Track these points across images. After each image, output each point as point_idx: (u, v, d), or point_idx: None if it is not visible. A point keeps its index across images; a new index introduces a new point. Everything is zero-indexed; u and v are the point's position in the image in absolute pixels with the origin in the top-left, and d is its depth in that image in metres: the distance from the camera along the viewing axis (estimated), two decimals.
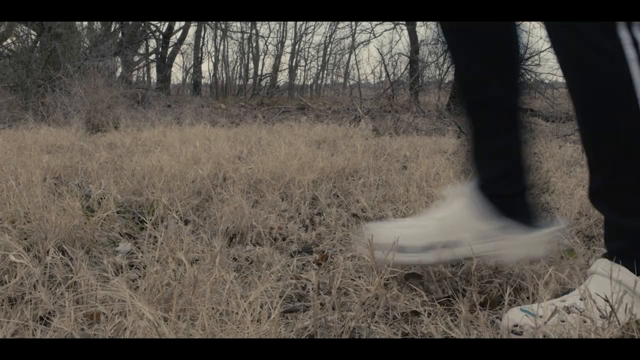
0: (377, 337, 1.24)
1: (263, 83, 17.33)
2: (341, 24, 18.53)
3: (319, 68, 20.07)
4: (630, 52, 1.17)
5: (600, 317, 1.17)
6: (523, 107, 1.51)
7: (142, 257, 1.66)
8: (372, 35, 25.26)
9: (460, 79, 1.50)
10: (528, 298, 1.41)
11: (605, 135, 1.22)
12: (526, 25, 12.60)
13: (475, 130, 1.50)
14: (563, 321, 1.19)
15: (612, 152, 1.22)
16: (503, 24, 1.45)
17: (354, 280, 1.55)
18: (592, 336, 1.12)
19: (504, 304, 1.36)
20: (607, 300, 1.17)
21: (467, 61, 1.47)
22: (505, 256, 1.43)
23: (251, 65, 18.35)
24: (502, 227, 1.43)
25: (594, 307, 1.19)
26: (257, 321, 1.16)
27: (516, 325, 1.21)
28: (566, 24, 1.23)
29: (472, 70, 1.48)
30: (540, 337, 1.15)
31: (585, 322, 1.17)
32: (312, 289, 1.45)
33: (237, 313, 1.18)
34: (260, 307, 1.19)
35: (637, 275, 1.20)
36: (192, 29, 16.07)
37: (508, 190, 1.46)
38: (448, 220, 1.47)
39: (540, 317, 1.19)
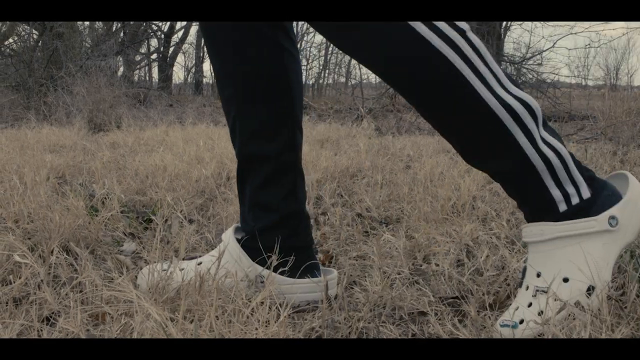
0: (385, 335, 1.23)
1: None
2: None
3: (321, 67, 20.06)
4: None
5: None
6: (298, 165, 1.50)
7: (147, 256, 1.65)
8: None
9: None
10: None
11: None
12: (528, 25, 12.61)
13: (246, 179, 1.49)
14: (541, 313, 1.20)
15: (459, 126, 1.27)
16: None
17: (360, 280, 1.55)
18: (603, 336, 1.12)
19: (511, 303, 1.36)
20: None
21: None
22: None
23: None
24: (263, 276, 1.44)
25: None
26: (266, 322, 1.15)
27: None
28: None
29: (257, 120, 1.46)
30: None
31: (556, 300, 1.20)
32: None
33: (244, 314, 1.18)
34: (269, 308, 1.18)
35: (555, 211, 1.26)
36: (194, 28, 16.05)
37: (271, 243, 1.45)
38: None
39: (522, 322, 1.20)
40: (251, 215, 1.48)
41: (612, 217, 1.27)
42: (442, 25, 1.21)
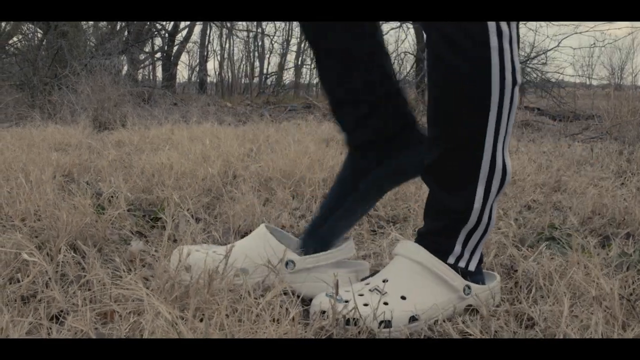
0: (395, 335, 1.22)
1: (269, 81, 17.32)
2: None
3: None
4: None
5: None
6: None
7: (155, 253, 1.65)
8: None
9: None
10: (542, 297, 1.40)
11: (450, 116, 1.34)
12: (533, 24, 12.59)
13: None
14: (366, 304, 1.26)
15: (452, 131, 1.34)
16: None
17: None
18: (615, 334, 1.11)
19: (520, 301, 1.35)
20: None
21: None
22: None
23: (257, 63, 18.33)
24: None
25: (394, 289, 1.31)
26: (277, 321, 1.15)
27: (324, 312, 1.26)
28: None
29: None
30: (343, 319, 1.22)
31: (386, 303, 1.27)
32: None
33: (254, 312, 1.17)
34: (280, 306, 1.18)
35: (444, 254, 1.36)
36: (198, 28, 16.02)
37: None
38: None
39: (346, 301, 1.25)
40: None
41: (469, 287, 1.36)
42: (510, 64, 1.29)
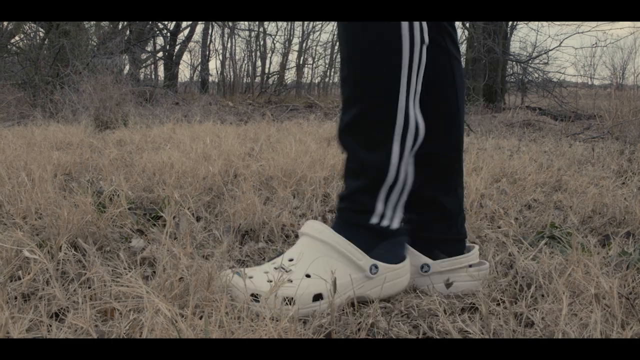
0: (394, 333, 1.23)
1: (270, 81, 17.32)
2: None
3: (327, 66, 20.04)
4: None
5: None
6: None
7: (156, 251, 1.65)
8: None
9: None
10: (543, 296, 1.40)
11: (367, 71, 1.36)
12: (535, 24, 12.58)
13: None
14: (270, 281, 1.30)
15: (368, 90, 1.37)
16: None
17: None
18: (614, 333, 1.11)
19: (520, 300, 1.35)
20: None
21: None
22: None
23: (258, 63, 18.33)
24: None
25: (299, 267, 1.35)
26: (276, 319, 1.15)
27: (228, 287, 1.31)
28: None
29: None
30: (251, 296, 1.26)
31: (290, 281, 1.31)
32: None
33: (253, 311, 1.18)
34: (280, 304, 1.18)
35: (367, 214, 1.40)
36: (200, 27, 16.02)
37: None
38: None
39: (251, 277, 1.30)
40: (414, 208, 1.57)
41: (375, 266, 1.38)
42: (418, 23, 1.33)
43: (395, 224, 1.42)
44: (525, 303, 1.33)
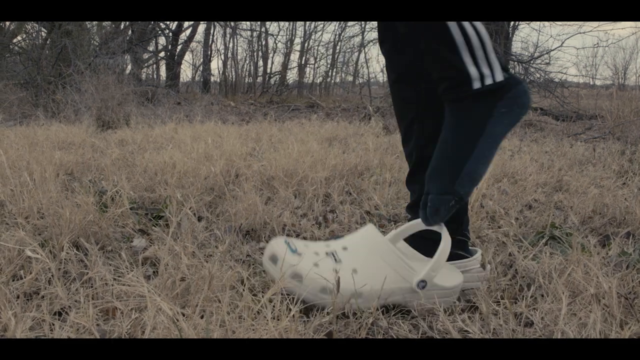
0: (394, 332, 1.23)
1: (272, 81, 17.33)
2: (350, 22, 18.49)
3: (329, 66, 20.04)
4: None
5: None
6: None
7: (157, 250, 1.66)
8: None
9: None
10: (542, 296, 1.40)
11: None
12: (536, 24, 12.58)
13: None
14: (316, 264, 1.30)
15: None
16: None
17: None
18: (613, 333, 1.12)
19: (520, 300, 1.36)
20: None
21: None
22: None
23: (260, 63, 18.33)
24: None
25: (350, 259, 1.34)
26: (277, 318, 1.16)
27: (273, 256, 1.32)
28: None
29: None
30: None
31: (336, 271, 1.30)
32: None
33: (254, 310, 1.18)
34: (280, 303, 1.18)
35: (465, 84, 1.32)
36: (202, 27, 16.01)
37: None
38: None
39: (300, 254, 1.31)
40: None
41: (424, 282, 1.36)
42: None
43: (499, 76, 1.33)
44: (525, 303, 1.33)
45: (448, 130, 1.37)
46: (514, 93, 1.35)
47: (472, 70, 1.31)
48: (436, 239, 1.51)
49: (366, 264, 1.34)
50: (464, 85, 1.32)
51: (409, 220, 1.57)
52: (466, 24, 1.30)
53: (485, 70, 1.32)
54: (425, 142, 1.51)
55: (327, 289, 1.28)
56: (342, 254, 1.35)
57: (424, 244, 1.52)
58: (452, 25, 1.28)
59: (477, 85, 1.32)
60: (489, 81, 1.32)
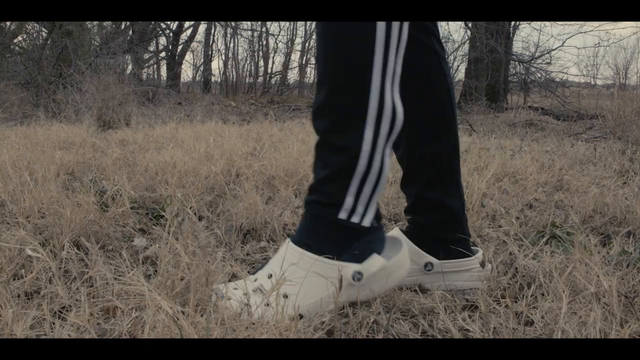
0: (395, 331, 1.23)
1: (273, 81, 17.34)
2: None
3: None
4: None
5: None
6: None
7: (158, 249, 1.66)
8: None
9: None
10: (543, 295, 1.40)
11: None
12: (537, 24, 12.58)
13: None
14: (247, 304, 1.21)
15: (338, 67, 1.27)
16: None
17: None
18: (613, 331, 1.12)
19: (520, 299, 1.36)
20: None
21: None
22: None
23: (261, 63, 18.36)
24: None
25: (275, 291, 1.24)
26: (277, 317, 1.16)
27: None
28: None
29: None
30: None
31: (267, 305, 1.22)
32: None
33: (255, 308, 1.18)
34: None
35: (335, 209, 1.29)
36: (202, 27, 16.04)
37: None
38: None
39: (229, 299, 1.23)
40: (420, 211, 1.56)
41: (359, 273, 1.29)
42: None
43: (367, 222, 1.31)
44: (526, 301, 1.33)
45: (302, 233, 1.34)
46: (373, 237, 1.33)
47: (349, 200, 1.29)
48: (442, 238, 1.52)
49: (294, 282, 1.27)
50: (332, 207, 1.30)
51: (409, 222, 1.58)
52: (377, 157, 1.28)
53: (360, 208, 1.30)
54: (416, 144, 1.52)
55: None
56: (268, 283, 1.29)
57: (429, 242, 1.52)
58: (365, 153, 1.27)
59: (342, 215, 1.30)
60: (355, 219, 1.30)
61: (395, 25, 1.24)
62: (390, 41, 1.25)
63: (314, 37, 17.86)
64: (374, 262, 1.30)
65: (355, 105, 1.26)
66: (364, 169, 1.28)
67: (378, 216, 1.35)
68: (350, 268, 1.28)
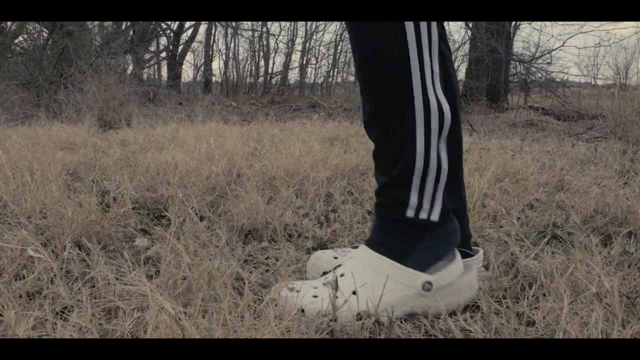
0: (396, 331, 1.23)
1: (274, 81, 17.35)
2: None
3: (330, 66, 20.06)
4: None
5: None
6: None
7: (160, 249, 1.66)
8: None
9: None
10: (544, 295, 1.40)
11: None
12: (538, 24, 12.58)
13: None
14: (315, 296, 1.27)
15: (377, 74, 1.30)
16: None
17: None
18: (615, 332, 1.12)
19: (522, 299, 1.36)
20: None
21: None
22: None
23: (262, 63, 18.36)
24: None
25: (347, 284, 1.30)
26: (278, 317, 1.16)
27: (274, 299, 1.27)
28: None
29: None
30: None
31: (337, 298, 1.26)
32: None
33: (255, 309, 1.18)
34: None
35: (401, 208, 1.34)
36: (203, 27, 16.06)
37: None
38: None
39: (298, 291, 1.27)
40: None
41: (429, 283, 1.31)
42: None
43: (435, 216, 1.35)
44: (527, 302, 1.33)
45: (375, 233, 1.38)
46: (444, 229, 1.37)
47: (414, 198, 1.34)
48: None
49: (364, 283, 1.31)
50: (398, 208, 1.34)
51: None
52: (433, 153, 1.32)
53: (425, 204, 1.35)
54: None
55: (324, 312, 1.25)
56: (339, 281, 1.32)
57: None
58: (420, 152, 1.31)
59: (410, 214, 1.34)
60: (423, 215, 1.34)
61: (423, 24, 1.27)
62: (422, 41, 1.28)
63: (314, 37, 17.87)
64: (445, 274, 1.33)
65: (402, 110, 1.30)
66: (422, 167, 1.32)
67: (446, 209, 1.38)
68: (421, 277, 1.31)
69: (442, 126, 1.32)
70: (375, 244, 1.35)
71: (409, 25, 1.26)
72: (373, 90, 1.32)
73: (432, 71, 1.31)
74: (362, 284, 1.30)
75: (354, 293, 1.29)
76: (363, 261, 1.34)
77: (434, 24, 1.29)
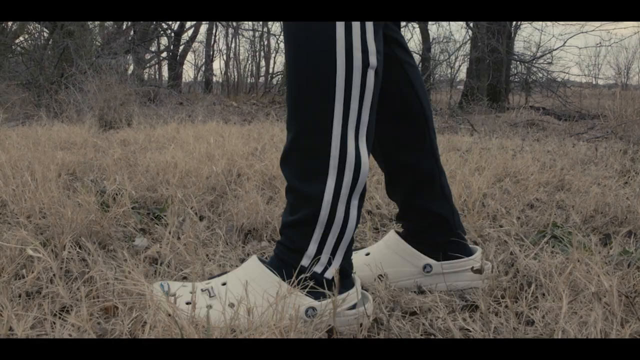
0: (395, 331, 1.23)
1: (274, 81, 17.34)
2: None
3: None
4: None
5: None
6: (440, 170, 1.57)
7: (159, 249, 1.66)
8: None
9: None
10: (543, 294, 1.40)
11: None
12: (538, 24, 12.58)
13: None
14: (188, 303, 1.22)
15: (299, 112, 1.23)
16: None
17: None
18: (613, 331, 1.12)
19: (521, 299, 1.36)
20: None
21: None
22: None
23: (262, 63, 18.35)
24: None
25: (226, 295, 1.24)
26: (277, 317, 1.16)
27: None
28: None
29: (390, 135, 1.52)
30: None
31: (210, 307, 1.21)
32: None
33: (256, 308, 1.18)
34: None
35: (298, 254, 1.25)
36: (204, 27, 16.06)
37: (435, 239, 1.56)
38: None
39: (173, 295, 1.19)
40: (409, 218, 1.57)
41: (314, 309, 1.23)
42: (360, 44, 1.20)
43: (329, 274, 1.25)
44: (526, 301, 1.33)
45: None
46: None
47: (312, 248, 1.25)
48: (436, 241, 1.52)
49: (244, 296, 1.22)
50: (295, 253, 1.26)
51: (402, 227, 1.59)
52: (340, 208, 1.24)
53: (323, 258, 1.26)
54: (392, 151, 1.53)
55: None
56: (220, 289, 1.27)
57: (425, 245, 1.53)
58: (326, 204, 1.23)
59: (305, 262, 1.25)
60: (317, 269, 1.25)
61: (357, 73, 1.19)
62: (352, 88, 1.20)
63: None
64: (329, 304, 1.24)
65: (317, 152, 1.22)
66: (326, 219, 1.24)
67: (345, 272, 1.29)
68: (306, 301, 1.23)
69: (355, 181, 1.24)
70: (264, 263, 1.29)
71: (340, 62, 1.19)
72: (294, 123, 1.25)
73: (359, 121, 1.23)
74: (242, 296, 1.22)
75: (230, 306, 1.22)
76: (247, 273, 1.28)
77: (371, 74, 1.21)
